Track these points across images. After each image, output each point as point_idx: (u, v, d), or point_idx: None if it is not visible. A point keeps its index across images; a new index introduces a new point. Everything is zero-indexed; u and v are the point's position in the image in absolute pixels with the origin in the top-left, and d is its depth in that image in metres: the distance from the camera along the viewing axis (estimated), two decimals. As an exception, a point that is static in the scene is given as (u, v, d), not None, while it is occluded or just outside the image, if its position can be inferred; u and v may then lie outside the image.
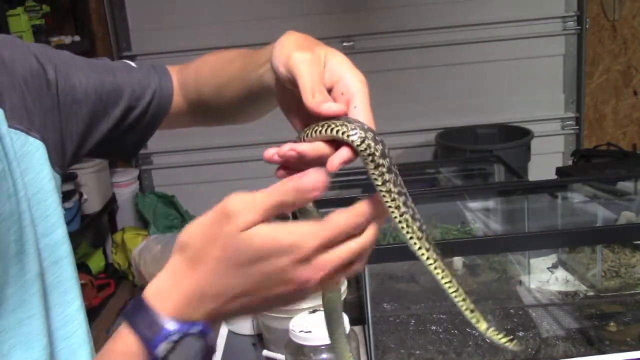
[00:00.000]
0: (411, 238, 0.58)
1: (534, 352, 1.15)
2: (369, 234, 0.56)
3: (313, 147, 0.58)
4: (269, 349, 1.20)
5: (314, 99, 0.58)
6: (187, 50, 3.51)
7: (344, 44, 3.42)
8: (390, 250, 1.11)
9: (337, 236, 0.55)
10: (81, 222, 3.16)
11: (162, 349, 0.55)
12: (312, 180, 0.54)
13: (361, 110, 0.59)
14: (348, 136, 0.56)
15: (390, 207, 0.57)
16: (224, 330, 1.37)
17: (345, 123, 0.57)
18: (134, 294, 3.36)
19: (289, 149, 0.58)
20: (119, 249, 3.47)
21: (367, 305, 1.13)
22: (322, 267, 0.55)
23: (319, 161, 0.58)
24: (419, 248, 0.59)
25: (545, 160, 3.26)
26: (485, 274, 1.40)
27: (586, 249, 1.42)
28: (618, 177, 1.59)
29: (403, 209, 0.57)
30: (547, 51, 3.56)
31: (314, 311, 1.07)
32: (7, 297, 0.69)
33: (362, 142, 0.56)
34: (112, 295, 3.27)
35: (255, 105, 0.84)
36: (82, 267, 3.26)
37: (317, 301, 1.13)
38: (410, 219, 0.58)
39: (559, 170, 2.01)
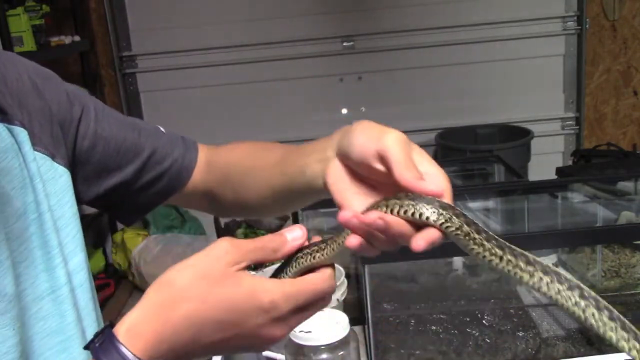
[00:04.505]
0: (522, 278, 0.60)
1: (534, 352, 1.15)
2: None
3: (399, 223, 0.56)
4: (269, 349, 1.20)
5: (410, 173, 0.57)
6: (187, 50, 3.51)
7: (344, 44, 3.36)
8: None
9: (312, 300, 0.59)
10: (81, 222, 3.16)
11: None
12: (293, 235, 0.61)
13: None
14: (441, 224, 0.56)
15: (496, 263, 0.60)
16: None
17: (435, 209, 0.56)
18: (134, 294, 3.36)
19: (377, 217, 0.55)
20: (119, 249, 3.47)
21: (367, 305, 1.13)
22: (293, 325, 0.60)
23: (399, 236, 0.56)
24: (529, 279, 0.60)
25: (545, 160, 3.27)
26: (485, 274, 1.40)
27: (586, 249, 1.42)
28: (618, 177, 1.59)
29: (508, 257, 0.60)
30: (547, 51, 3.56)
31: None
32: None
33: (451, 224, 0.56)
34: (112, 295, 3.27)
35: (288, 196, 0.78)
36: (82, 267, 3.25)
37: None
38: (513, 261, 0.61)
39: (559, 170, 2.01)
